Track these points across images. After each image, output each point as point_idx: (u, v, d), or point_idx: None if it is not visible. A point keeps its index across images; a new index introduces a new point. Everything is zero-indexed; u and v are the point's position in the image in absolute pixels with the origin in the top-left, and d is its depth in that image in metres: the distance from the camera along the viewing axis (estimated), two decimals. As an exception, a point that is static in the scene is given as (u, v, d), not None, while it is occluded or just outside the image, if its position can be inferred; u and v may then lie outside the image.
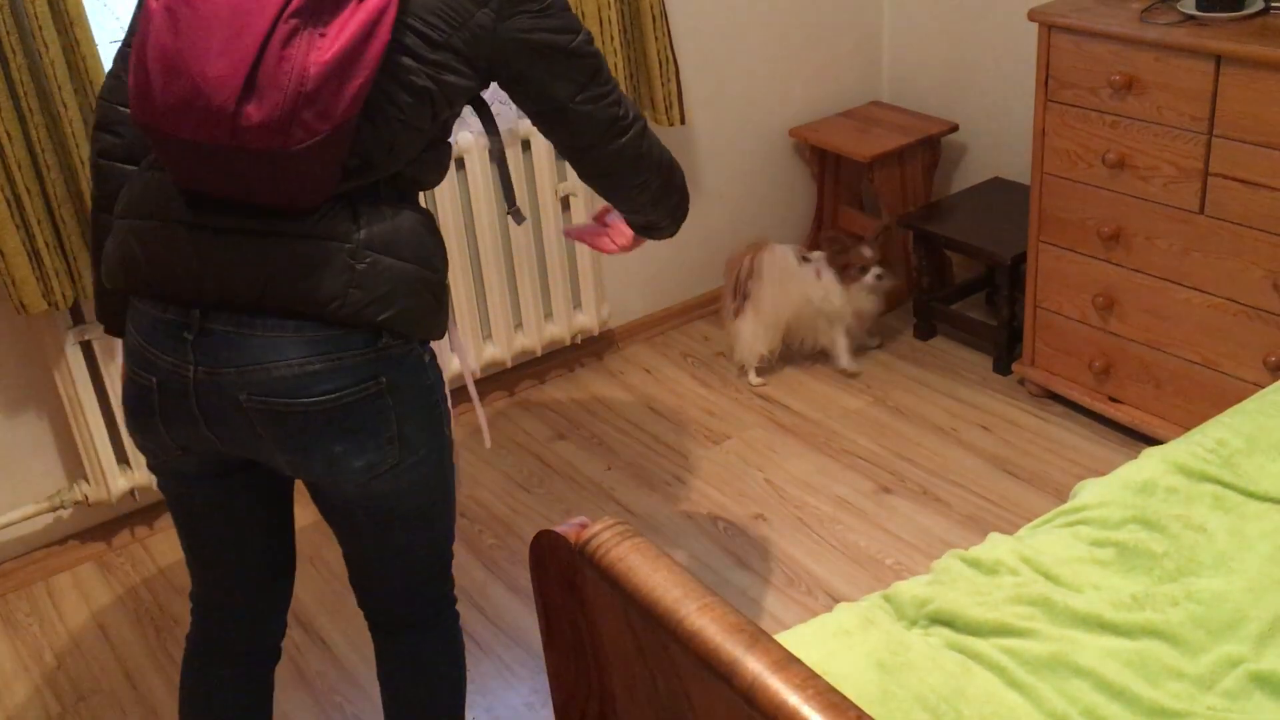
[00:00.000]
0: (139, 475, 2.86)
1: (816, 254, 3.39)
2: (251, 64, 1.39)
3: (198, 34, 1.40)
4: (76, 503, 2.87)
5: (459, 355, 1.99)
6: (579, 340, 3.48)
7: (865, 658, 1.57)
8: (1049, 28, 2.80)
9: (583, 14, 3.01)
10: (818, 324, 3.39)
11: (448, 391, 1.74)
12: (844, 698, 1.09)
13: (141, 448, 1.69)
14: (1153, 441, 2.76)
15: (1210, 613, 1.62)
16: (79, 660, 2.63)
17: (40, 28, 2.38)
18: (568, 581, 1.42)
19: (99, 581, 2.86)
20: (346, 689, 2.49)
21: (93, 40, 2.44)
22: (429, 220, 1.64)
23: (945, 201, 3.57)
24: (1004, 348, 3.33)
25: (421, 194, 1.72)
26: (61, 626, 2.74)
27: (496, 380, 3.42)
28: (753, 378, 3.41)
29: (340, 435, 1.57)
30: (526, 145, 3.16)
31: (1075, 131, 2.83)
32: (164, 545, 2.94)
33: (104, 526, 2.95)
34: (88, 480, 2.84)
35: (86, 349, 2.72)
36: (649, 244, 3.52)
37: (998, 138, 3.61)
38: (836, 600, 2.57)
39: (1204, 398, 2.79)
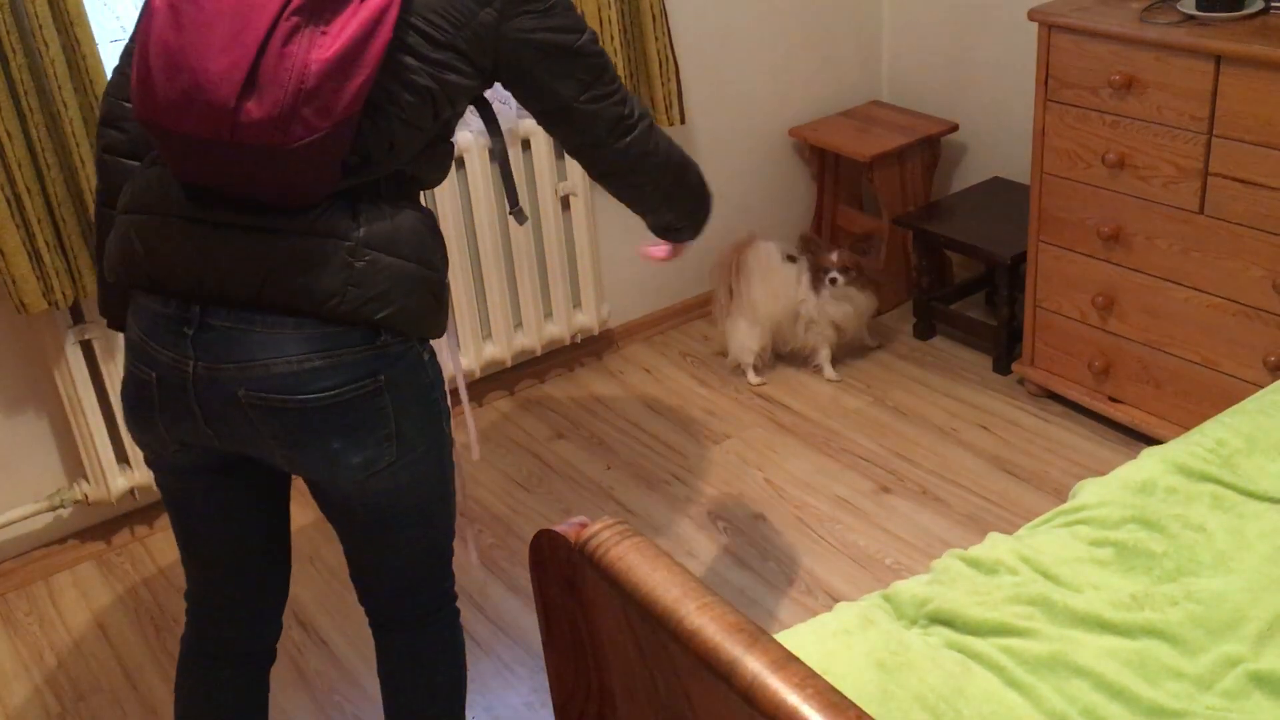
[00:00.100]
0: (139, 475, 2.86)
1: (803, 256, 3.39)
2: (252, 61, 1.40)
3: (200, 30, 1.41)
4: (76, 502, 2.87)
5: (451, 358, 2.00)
6: (579, 340, 3.48)
7: (865, 657, 1.57)
8: (1049, 27, 2.80)
9: (583, 14, 3.00)
10: (800, 327, 3.38)
11: (447, 390, 1.74)
12: (843, 697, 1.09)
13: (139, 442, 1.69)
14: (1152, 441, 2.76)
15: (1209, 612, 1.62)
16: (79, 659, 2.63)
17: (40, 27, 2.38)
18: (567, 581, 1.42)
19: (99, 581, 2.86)
20: (346, 688, 2.49)
21: (93, 39, 2.44)
22: (429, 219, 1.64)
23: (945, 201, 3.57)
24: (1004, 347, 3.33)
25: (422, 193, 1.72)
26: (61, 626, 2.74)
27: (496, 379, 3.42)
28: (751, 376, 3.41)
29: (338, 432, 1.57)
30: (526, 145, 3.17)
31: (1075, 131, 2.83)
32: (164, 545, 2.94)
33: (104, 526, 2.96)
34: (88, 479, 2.84)
35: (86, 348, 2.72)
36: (647, 243, 3.55)
37: (998, 137, 3.61)
38: (836, 600, 2.57)
39: (1204, 398, 2.79)
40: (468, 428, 1.97)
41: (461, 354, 3.23)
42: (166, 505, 1.78)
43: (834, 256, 3.27)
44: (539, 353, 3.39)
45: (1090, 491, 1.88)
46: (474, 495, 3.03)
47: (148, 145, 1.63)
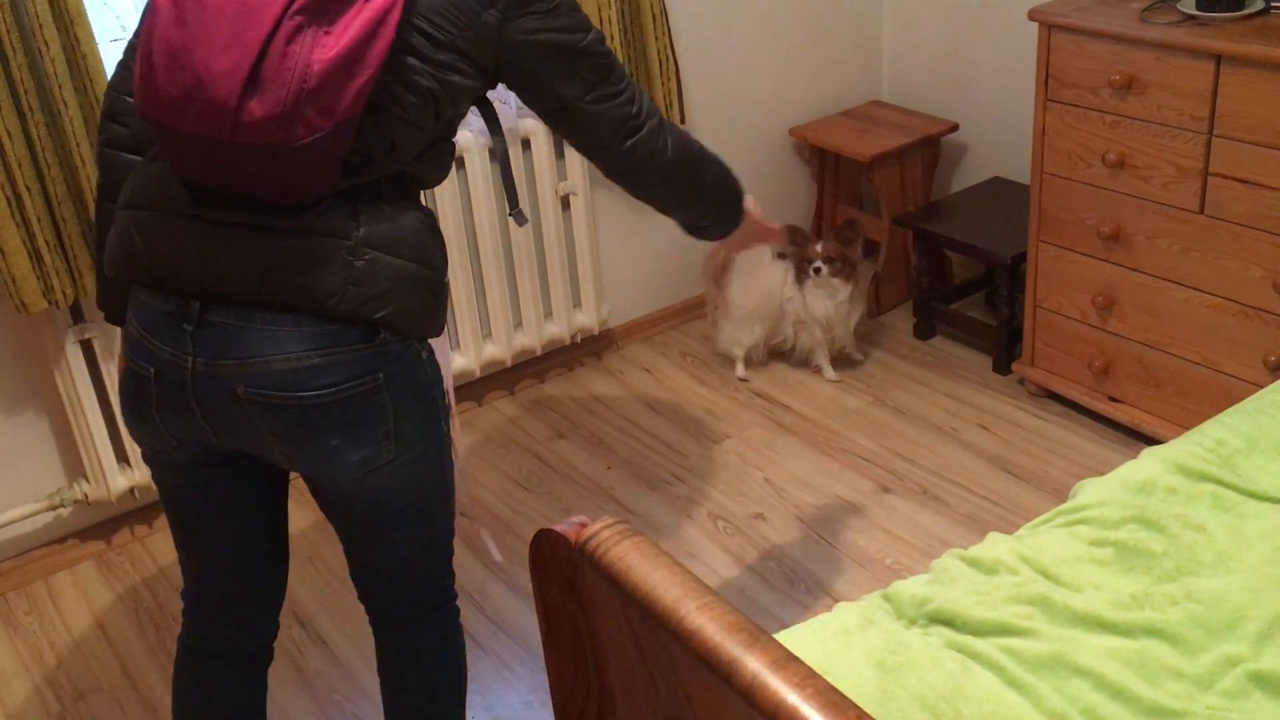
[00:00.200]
0: (139, 474, 2.86)
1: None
2: (255, 60, 1.40)
3: (203, 28, 1.41)
4: (76, 501, 2.87)
5: (441, 358, 1.98)
6: (579, 339, 3.48)
7: (865, 657, 1.57)
8: (1049, 27, 2.80)
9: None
10: (788, 326, 3.38)
11: (446, 388, 1.74)
12: (843, 697, 1.09)
13: (137, 438, 1.69)
14: (1152, 441, 2.76)
15: (1209, 612, 1.62)
16: (78, 659, 2.63)
17: (40, 26, 2.38)
18: (567, 581, 1.42)
19: (99, 580, 2.86)
20: (346, 688, 2.49)
21: (93, 39, 2.44)
22: (429, 219, 1.64)
23: (945, 201, 3.57)
24: (1004, 347, 3.33)
25: (422, 193, 1.72)
26: (61, 625, 2.74)
27: (496, 379, 3.42)
28: (739, 370, 3.42)
29: (337, 429, 1.57)
30: (526, 144, 3.17)
31: (1075, 131, 2.83)
32: (164, 544, 2.94)
33: (104, 525, 2.95)
34: (88, 479, 2.84)
35: (86, 348, 2.72)
36: (647, 243, 3.57)
37: (998, 137, 3.61)
38: (836, 600, 2.57)
39: (1204, 398, 2.79)
40: (484, 538, 1.96)
41: (461, 354, 3.23)
42: (164, 502, 1.78)
43: (818, 247, 3.26)
44: (539, 352, 3.39)
45: (1090, 491, 1.88)
46: (474, 495, 3.03)
47: (149, 140, 1.63)
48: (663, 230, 3.59)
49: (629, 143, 1.70)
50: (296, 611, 2.68)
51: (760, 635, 1.16)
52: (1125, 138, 2.74)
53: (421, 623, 1.84)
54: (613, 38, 3.07)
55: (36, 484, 2.84)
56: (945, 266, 3.65)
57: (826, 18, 3.66)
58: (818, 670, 1.13)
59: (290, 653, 2.57)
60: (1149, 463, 1.92)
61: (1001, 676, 1.54)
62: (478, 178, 3.08)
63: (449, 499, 1.78)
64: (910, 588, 1.70)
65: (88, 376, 2.73)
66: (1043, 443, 3.05)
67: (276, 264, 1.52)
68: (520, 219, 1.83)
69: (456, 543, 1.88)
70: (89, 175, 2.51)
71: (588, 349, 3.57)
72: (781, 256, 3.37)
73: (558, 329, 3.38)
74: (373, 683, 2.48)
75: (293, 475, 1.84)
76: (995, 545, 1.78)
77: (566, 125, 1.69)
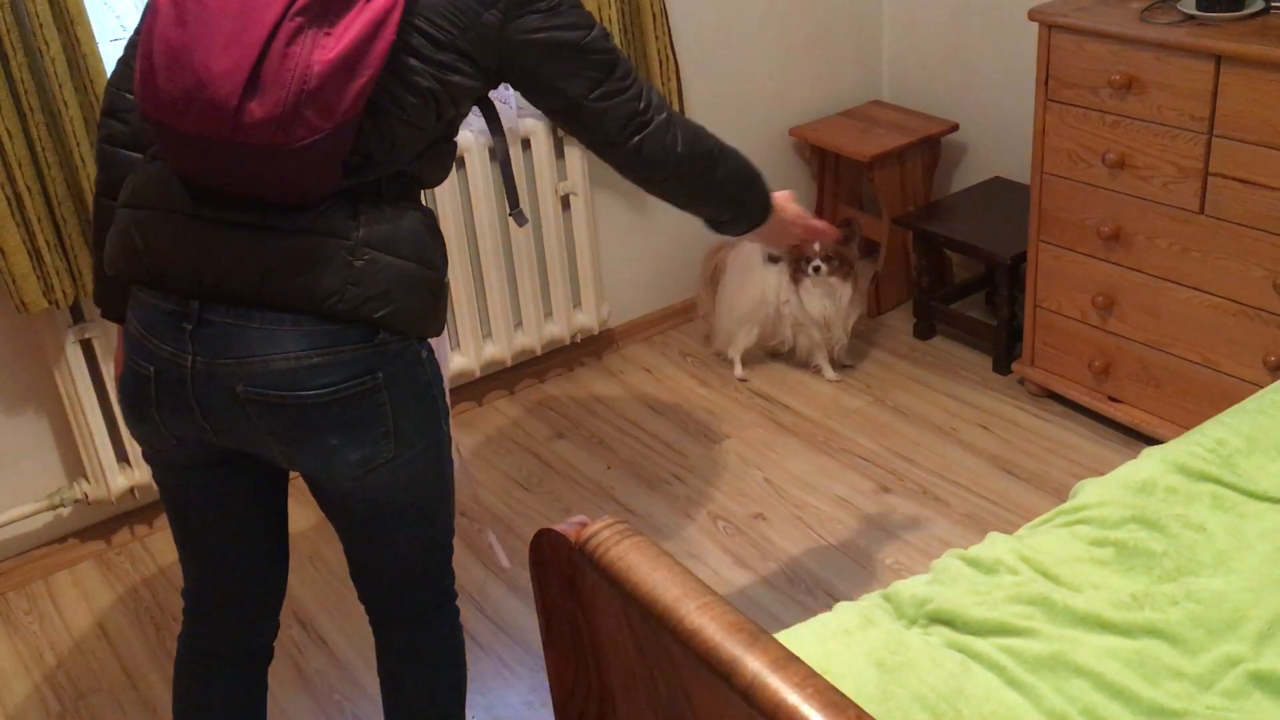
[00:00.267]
0: (139, 474, 2.86)
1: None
2: (255, 60, 1.40)
3: (203, 28, 1.41)
4: (76, 501, 2.87)
5: (440, 358, 1.98)
6: (579, 339, 3.48)
7: (865, 657, 1.57)
8: (1049, 27, 2.80)
9: (583, 13, 3.01)
10: (786, 329, 3.38)
11: (446, 388, 1.74)
12: (843, 696, 1.09)
13: (136, 436, 1.69)
14: (1152, 441, 2.76)
15: (1209, 612, 1.62)
16: (78, 659, 2.63)
17: (41, 26, 2.38)
18: (567, 580, 1.42)
19: (99, 580, 2.86)
20: (346, 688, 2.49)
21: (93, 38, 2.44)
22: (430, 219, 1.64)
23: (945, 201, 3.57)
24: (1004, 347, 3.33)
25: (423, 192, 1.72)
26: (61, 625, 2.74)
27: (496, 379, 3.42)
28: (738, 370, 3.42)
29: (336, 428, 1.57)
30: (526, 145, 3.17)
31: (1075, 131, 2.83)
32: (164, 544, 2.94)
33: (104, 525, 2.95)
34: (88, 479, 2.84)
35: (87, 347, 2.72)
36: (647, 243, 3.57)
37: (998, 137, 3.61)
38: (836, 599, 2.57)
39: (1204, 398, 2.79)
40: (493, 543, 1.96)
41: (461, 354, 3.23)
42: (164, 501, 1.78)
43: (816, 246, 3.25)
44: (539, 352, 3.39)
45: (1090, 491, 1.88)
46: (474, 494, 3.02)
47: (149, 138, 1.63)
48: (663, 230, 3.60)
49: (636, 139, 1.68)
50: (296, 611, 2.68)
51: (760, 635, 1.16)
52: (1125, 138, 2.74)
53: (421, 623, 1.84)
54: (612, 37, 3.06)
55: (36, 483, 2.84)
56: (945, 266, 3.65)
57: (826, 18, 3.66)
58: (818, 670, 1.13)
59: (290, 652, 2.57)
60: (1149, 463, 1.92)
61: (1001, 676, 1.54)
62: (478, 178, 3.08)
63: (449, 499, 1.78)
64: (910, 588, 1.70)
65: (88, 376, 2.73)
66: (1043, 443, 3.05)
67: (276, 264, 1.52)
68: (520, 219, 1.83)
69: (456, 542, 1.88)
70: (89, 175, 2.51)
71: (588, 349, 3.57)
72: (773, 260, 3.37)
73: (558, 329, 3.38)
74: (373, 683, 2.48)
75: (293, 475, 1.84)
76: (995, 545, 1.78)
77: (573, 124, 1.68)
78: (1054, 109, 2.86)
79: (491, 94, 1.72)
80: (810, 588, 2.64)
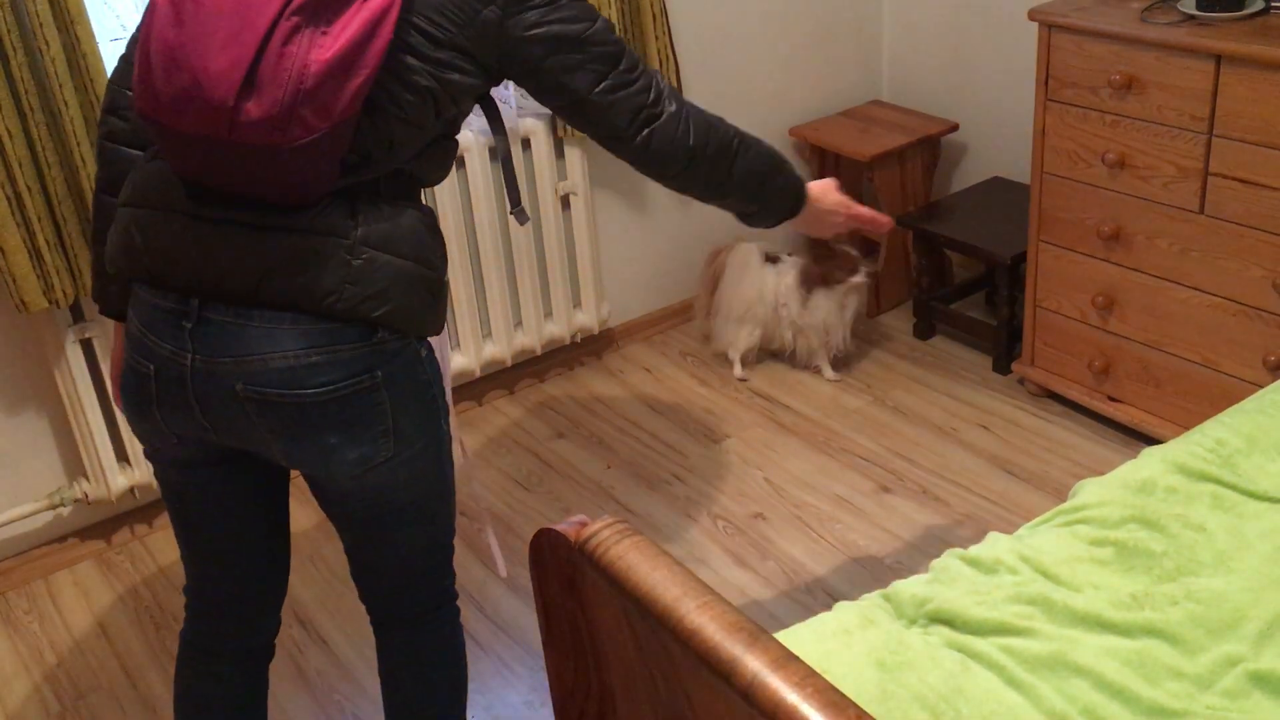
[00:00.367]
0: (139, 473, 2.86)
1: (792, 258, 3.38)
2: (252, 60, 1.40)
3: (200, 28, 1.41)
4: (76, 500, 2.87)
5: (441, 357, 1.97)
6: (579, 339, 3.48)
7: (864, 656, 1.57)
8: (1049, 27, 2.80)
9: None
10: (786, 331, 3.38)
11: (446, 387, 1.74)
12: (843, 696, 1.09)
13: (137, 433, 1.70)
14: (1152, 441, 2.76)
15: (1209, 612, 1.62)
16: (78, 658, 2.63)
17: (41, 25, 2.38)
18: (567, 580, 1.42)
19: (99, 579, 2.86)
20: (346, 687, 2.49)
21: (93, 38, 2.44)
22: (429, 218, 1.64)
23: (945, 201, 3.57)
24: (1003, 347, 3.33)
25: (423, 191, 1.72)
26: (61, 624, 2.74)
27: (496, 379, 3.42)
28: (738, 370, 3.42)
29: (335, 427, 1.57)
30: (526, 144, 3.17)
31: (1075, 131, 2.84)
32: (164, 543, 2.94)
33: (104, 524, 2.96)
34: (88, 478, 2.84)
35: (87, 347, 2.72)
36: (647, 243, 3.57)
37: (998, 137, 3.61)
38: (836, 599, 2.57)
39: (1204, 398, 2.79)
40: (493, 547, 1.96)
41: (461, 354, 3.23)
42: (165, 498, 1.79)
43: (854, 251, 3.30)
44: (539, 352, 3.39)
45: (1090, 491, 1.88)
46: (474, 494, 3.02)
47: (149, 136, 1.63)
48: (663, 230, 3.60)
49: (645, 132, 1.65)
50: (297, 610, 2.68)
51: (760, 635, 1.16)
52: (1125, 138, 2.74)
53: (422, 623, 1.84)
54: (617, 29, 3.06)
55: (37, 483, 2.84)
56: (945, 266, 3.65)
57: (826, 18, 3.66)
58: (817, 670, 1.13)
59: (290, 652, 2.57)
60: (1149, 462, 1.92)
61: (1001, 676, 1.54)
62: (478, 177, 3.08)
63: (449, 498, 1.78)
64: (910, 587, 1.70)
65: (88, 375, 2.73)
66: (1043, 443, 3.05)
67: (275, 263, 1.52)
68: (522, 217, 1.82)
69: (457, 542, 1.88)
70: (89, 175, 2.51)
71: (588, 349, 3.57)
72: (771, 261, 3.37)
73: (558, 328, 3.38)
74: (373, 682, 2.48)
75: (294, 474, 1.84)
76: (995, 545, 1.78)
77: (579, 119, 1.66)
78: (1054, 109, 2.86)
79: (492, 92, 1.71)
80: (810, 588, 2.64)
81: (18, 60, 2.39)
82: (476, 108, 1.69)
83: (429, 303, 1.62)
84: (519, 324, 3.34)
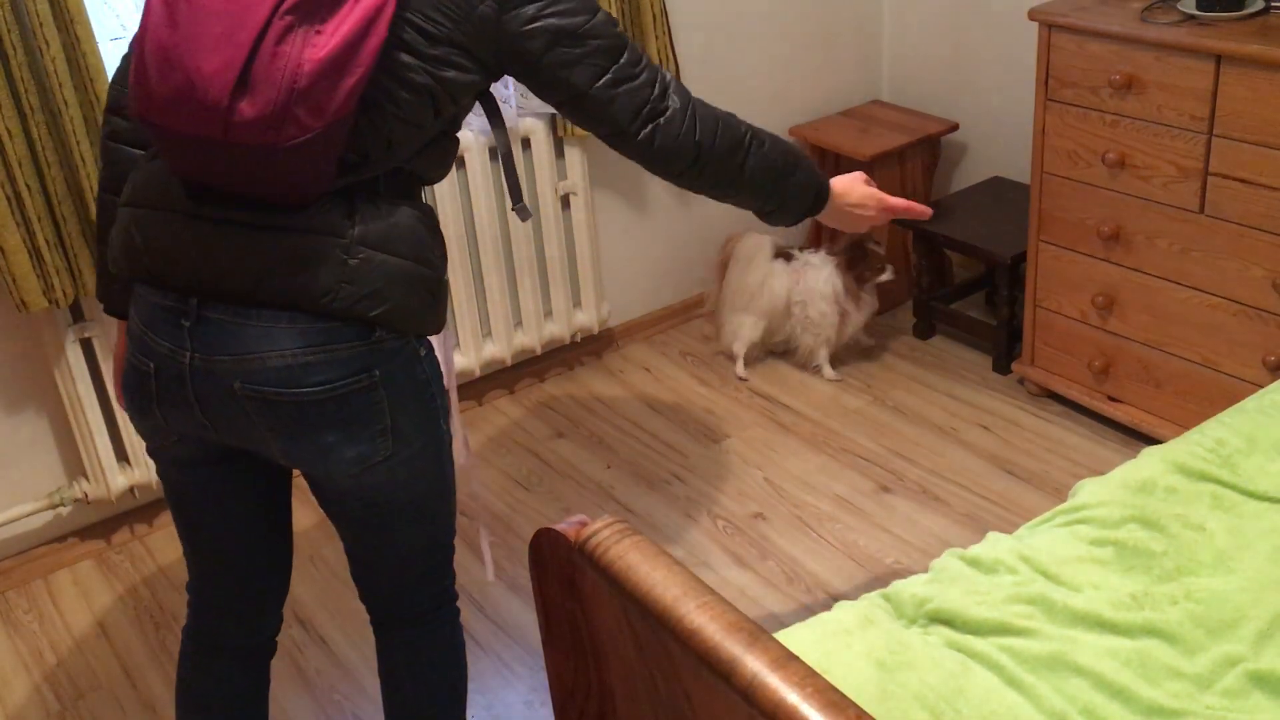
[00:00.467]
0: (139, 473, 2.86)
1: (808, 253, 3.38)
2: (245, 60, 1.39)
3: (193, 28, 1.41)
4: (76, 500, 2.87)
5: (443, 357, 1.97)
6: (579, 339, 3.48)
7: (864, 656, 1.57)
8: (1049, 27, 2.80)
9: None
10: (796, 326, 3.38)
11: (445, 386, 1.74)
12: (843, 696, 1.09)
13: (139, 430, 1.70)
14: (1152, 441, 2.76)
15: (1209, 612, 1.62)
16: (78, 658, 2.63)
17: (41, 25, 2.38)
18: (567, 580, 1.42)
19: (98, 579, 2.86)
20: (345, 687, 2.49)
21: (93, 38, 2.44)
22: (428, 217, 1.64)
23: (945, 201, 3.57)
24: (1003, 347, 3.33)
25: (423, 190, 1.71)
26: (61, 624, 2.74)
27: (496, 379, 3.42)
28: (739, 369, 3.42)
29: (333, 426, 1.57)
30: (526, 144, 3.17)
31: (1075, 131, 2.83)
32: (164, 543, 2.94)
33: (104, 524, 2.96)
34: (87, 478, 2.84)
35: (87, 346, 2.72)
36: (647, 243, 3.57)
37: (998, 137, 3.61)
38: (836, 599, 2.57)
39: (1204, 398, 2.79)
40: (483, 549, 1.96)
41: (461, 353, 3.23)
42: (167, 496, 1.79)
43: (881, 250, 3.34)
44: (539, 352, 3.39)
45: (1090, 491, 1.88)
46: (474, 493, 3.02)
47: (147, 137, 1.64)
48: (663, 230, 3.60)
49: (649, 128, 1.62)
50: (297, 610, 2.68)
51: (760, 634, 1.16)
52: (1125, 137, 2.74)
53: (422, 623, 1.84)
54: (619, 23, 3.06)
55: (36, 483, 2.84)
56: (945, 266, 3.65)
57: (826, 18, 3.66)
58: (817, 670, 1.13)
59: (290, 652, 2.57)
60: (1149, 462, 1.92)
61: (1001, 676, 1.54)
62: (478, 176, 3.08)
63: (449, 498, 1.77)
64: (910, 587, 1.70)
65: (88, 375, 2.73)
66: (1043, 442, 3.05)
67: (273, 262, 1.52)
68: (524, 213, 1.79)
69: (457, 542, 1.87)
70: (89, 174, 2.51)
71: (588, 348, 3.57)
72: (784, 256, 3.37)
73: (558, 328, 3.38)
74: (373, 682, 2.48)
75: (296, 474, 1.84)
76: (995, 545, 1.78)
77: (580, 115, 1.63)
78: (1054, 109, 2.86)
79: (492, 90, 1.71)
80: (809, 587, 2.64)
81: (17, 60, 2.39)
82: (476, 105, 1.69)
83: (428, 302, 1.62)
84: (519, 323, 3.34)
